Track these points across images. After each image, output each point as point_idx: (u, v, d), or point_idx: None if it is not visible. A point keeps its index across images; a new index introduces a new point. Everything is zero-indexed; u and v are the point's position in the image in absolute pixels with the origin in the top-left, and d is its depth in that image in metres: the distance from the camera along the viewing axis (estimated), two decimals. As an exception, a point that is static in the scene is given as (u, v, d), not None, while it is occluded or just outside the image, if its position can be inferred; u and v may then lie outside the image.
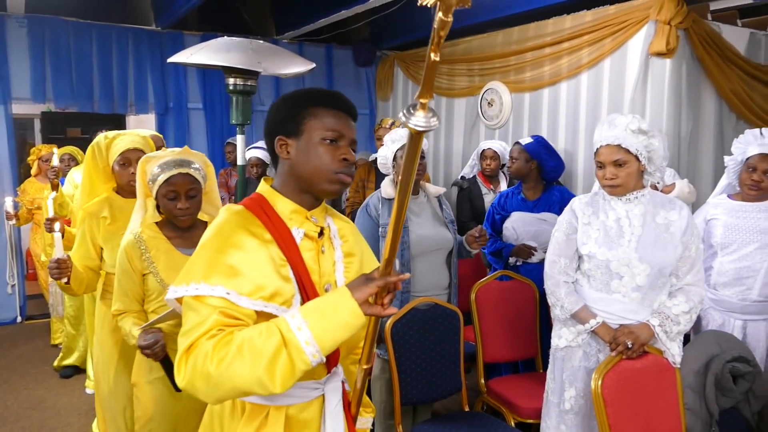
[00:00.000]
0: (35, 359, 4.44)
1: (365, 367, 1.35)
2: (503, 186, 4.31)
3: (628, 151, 2.15)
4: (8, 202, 4.82)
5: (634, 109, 3.95)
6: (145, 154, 2.43)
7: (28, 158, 5.18)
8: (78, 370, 4.13)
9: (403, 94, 6.46)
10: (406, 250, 2.72)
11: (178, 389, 1.88)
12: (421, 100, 1.00)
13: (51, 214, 2.80)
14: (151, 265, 2.03)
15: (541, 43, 4.69)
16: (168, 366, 1.95)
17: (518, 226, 3.42)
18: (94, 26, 5.40)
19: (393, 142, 2.85)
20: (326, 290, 1.34)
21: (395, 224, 1.14)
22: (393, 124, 4.18)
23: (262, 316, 1.23)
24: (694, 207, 3.25)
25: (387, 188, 2.88)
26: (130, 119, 7.58)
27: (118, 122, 7.42)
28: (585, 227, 2.29)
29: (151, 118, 7.77)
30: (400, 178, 1.10)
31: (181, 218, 2.06)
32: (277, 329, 1.14)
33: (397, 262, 2.73)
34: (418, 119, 0.99)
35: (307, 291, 1.28)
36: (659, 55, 3.80)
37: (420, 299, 2.70)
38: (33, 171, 5.13)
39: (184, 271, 1.24)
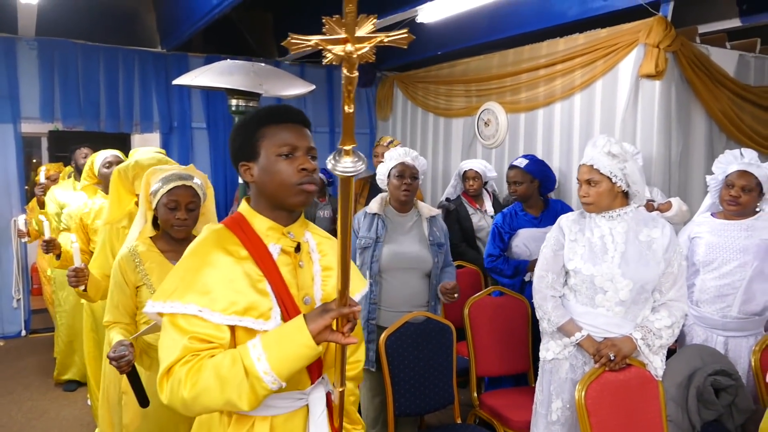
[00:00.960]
0: (39, 371, 4.52)
1: (339, 389, 1.42)
2: (488, 204, 4.35)
3: (599, 172, 2.26)
4: (21, 220, 4.94)
5: (625, 129, 4.06)
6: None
7: (36, 177, 5.31)
8: (81, 384, 4.19)
9: (402, 113, 6.59)
10: (376, 263, 2.82)
11: (144, 405, 2.02)
12: (345, 147, 1.06)
13: (47, 236, 2.90)
14: (145, 277, 2.11)
15: (535, 65, 4.81)
16: (134, 380, 2.02)
17: (529, 242, 3.49)
18: (101, 48, 5.56)
19: (390, 159, 2.96)
20: (305, 303, 1.40)
21: (342, 259, 1.20)
22: (391, 142, 4.29)
23: (241, 331, 1.32)
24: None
25: (373, 204, 2.98)
26: (135, 138, 7.73)
27: (123, 141, 7.56)
28: (571, 243, 2.38)
29: (155, 137, 7.91)
30: (338, 215, 1.16)
31: (177, 228, 2.14)
32: (240, 359, 1.24)
33: (367, 273, 2.83)
34: (345, 165, 1.05)
35: (286, 304, 1.35)
36: (649, 77, 3.91)
37: (414, 313, 2.79)
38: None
39: (161, 287, 1.33)
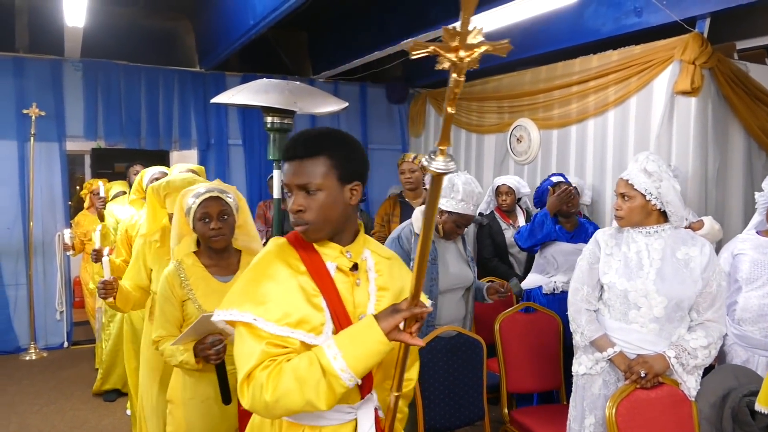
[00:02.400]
0: (80, 382, 4.65)
1: (396, 394, 1.45)
2: (521, 220, 4.37)
3: (634, 187, 2.26)
4: (67, 234, 5.12)
5: (660, 146, 4.02)
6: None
7: (81, 192, 5.50)
8: (121, 394, 4.30)
9: (435, 130, 6.64)
10: (435, 285, 2.82)
11: (226, 402, 2.08)
12: (441, 147, 1.12)
13: (98, 246, 3.03)
14: (189, 292, 2.18)
15: (568, 82, 4.81)
16: (221, 375, 2.12)
17: (558, 255, 3.52)
18: (143, 69, 5.76)
19: (455, 199, 2.91)
20: (360, 320, 1.41)
21: (420, 259, 1.25)
22: (415, 158, 4.30)
23: (305, 344, 1.37)
24: (720, 245, 3.29)
25: (418, 222, 2.99)
26: (174, 155, 7.95)
27: (162, 158, 7.77)
28: (607, 257, 2.38)
29: (193, 154, 8.11)
30: (425, 213, 1.21)
31: (213, 239, 2.20)
32: (316, 359, 1.29)
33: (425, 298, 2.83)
34: (438, 163, 1.12)
35: (340, 320, 1.39)
36: (684, 93, 3.88)
37: (443, 328, 2.81)
38: (86, 204, 5.44)
39: (227, 297, 1.40)
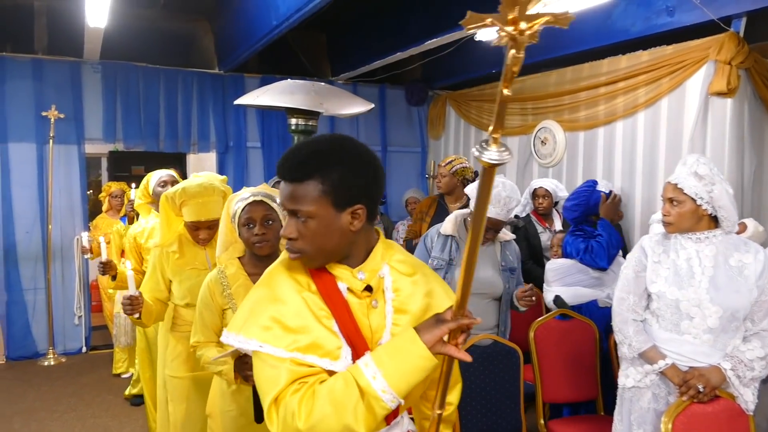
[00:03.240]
0: (100, 388, 4.59)
1: (438, 412, 1.33)
2: (557, 224, 4.30)
3: (683, 192, 2.16)
4: (84, 238, 5.06)
5: (693, 148, 3.91)
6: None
7: (100, 195, 5.45)
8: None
9: (455, 132, 6.55)
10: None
11: (258, 421, 1.97)
12: (494, 135, 1.02)
13: (104, 258, 2.94)
14: (231, 301, 2.10)
15: (596, 83, 4.71)
16: (257, 392, 2.03)
17: (615, 266, 3.44)
18: (161, 71, 5.71)
19: (492, 204, 2.87)
20: (378, 345, 1.30)
21: (467, 265, 1.12)
22: (450, 163, 4.19)
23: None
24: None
25: (447, 224, 2.92)
26: (190, 158, 7.90)
27: (179, 160, 7.74)
28: (654, 265, 2.28)
29: (210, 157, 8.05)
30: (473, 211, 1.10)
31: (257, 245, 2.09)
32: (353, 380, 1.17)
33: None
34: (491, 153, 1.01)
35: (356, 346, 1.26)
36: (720, 94, 3.77)
37: (481, 336, 2.72)
38: (104, 207, 5.39)
39: (235, 317, 1.31)
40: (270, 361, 1.23)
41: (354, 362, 1.23)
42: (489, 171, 1.03)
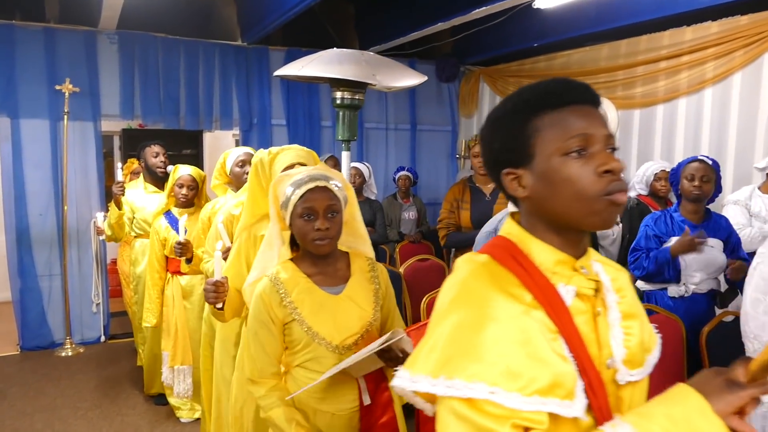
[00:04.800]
0: (124, 382, 4.30)
1: None
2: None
3: None
4: (100, 217, 4.75)
5: (772, 127, 3.60)
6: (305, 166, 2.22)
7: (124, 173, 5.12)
8: None
9: (490, 109, 6.16)
10: None
11: None
12: None
13: (182, 238, 2.68)
14: (294, 311, 1.71)
15: (655, 57, 4.38)
16: None
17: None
18: (182, 42, 5.33)
19: None
20: (608, 367, 0.98)
21: None
22: None
23: (557, 420, 0.88)
24: None
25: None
26: (206, 136, 7.57)
27: (195, 139, 7.42)
28: None
29: (227, 135, 7.75)
30: None
31: (318, 242, 1.70)
32: None
33: None
34: None
35: (588, 373, 0.91)
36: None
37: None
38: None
39: (418, 350, 0.93)
40: (478, 422, 0.84)
41: (587, 402, 0.89)
42: None
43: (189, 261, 2.92)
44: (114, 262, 6.18)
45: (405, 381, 0.91)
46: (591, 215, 0.95)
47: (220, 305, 1.96)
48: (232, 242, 2.38)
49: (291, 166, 2.14)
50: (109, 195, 5.75)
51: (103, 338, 5.21)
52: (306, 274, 1.76)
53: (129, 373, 4.48)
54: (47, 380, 4.33)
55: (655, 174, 4.10)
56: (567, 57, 5.18)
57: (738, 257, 3.03)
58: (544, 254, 0.99)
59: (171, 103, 5.30)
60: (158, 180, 4.08)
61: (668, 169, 3.97)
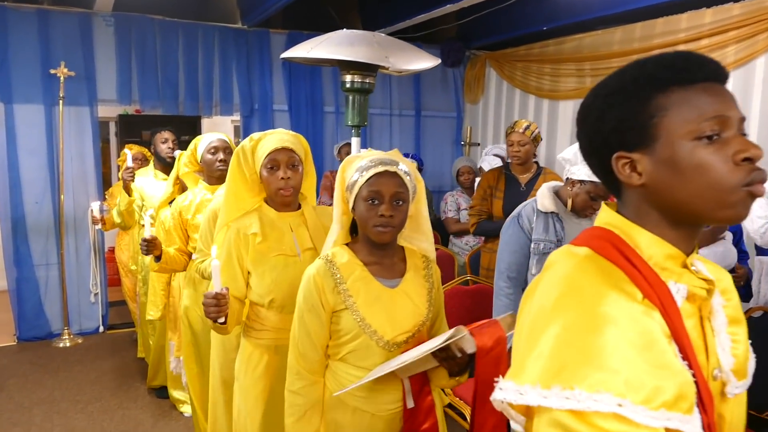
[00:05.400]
0: (124, 374, 4.19)
1: None
2: None
3: None
4: (95, 207, 4.62)
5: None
6: (296, 154, 2.09)
7: (118, 159, 4.98)
8: None
9: (496, 95, 6.06)
10: None
11: None
12: None
13: (149, 235, 2.52)
14: (348, 299, 1.60)
15: (672, 40, 4.24)
16: None
17: None
18: (180, 24, 5.16)
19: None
20: (714, 378, 0.88)
21: None
22: (528, 128, 3.68)
23: None
24: None
25: (544, 200, 2.48)
26: (205, 122, 7.41)
27: (193, 125, 7.27)
28: None
29: (226, 121, 7.60)
30: None
31: (380, 229, 1.58)
32: None
33: None
34: None
35: (699, 385, 0.80)
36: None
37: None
38: (121, 174, 4.92)
39: (530, 360, 0.79)
40: (603, 430, 0.72)
41: (701, 416, 0.77)
42: None
43: (158, 259, 2.73)
44: (111, 250, 6.05)
45: (510, 393, 0.79)
46: (726, 208, 0.84)
47: (222, 320, 1.80)
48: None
49: (276, 152, 2.03)
50: (107, 182, 5.64)
51: (101, 329, 5.09)
52: (363, 262, 1.66)
53: (129, 364, 4.36)
54: (45, 372, 4.21)
55: None
56: (578, 41, 5.03)
57: (740, 250, 2.95)
58: (654, 247, 0.88)
59: (169, 87, 5.13)
60: (168, 167, 3.93)
61: None
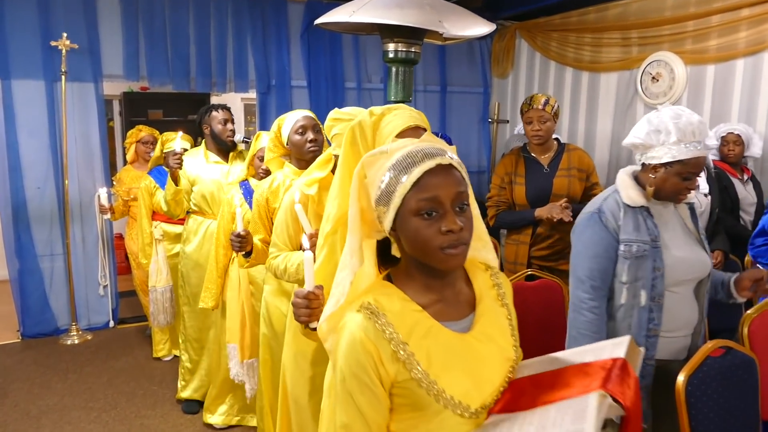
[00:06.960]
0: (139, 376, 3.85)
1: None
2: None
3: None
4: (103, 194, 4.25)
5: None
6: (425, 132, 1.66)
7: (125, 141, 4.59)
8: (202, 404, 3.35)
9: (527, 69, 5.66)
10: (660, 278, 1.96)
11: None
12: None
13: (242, 230, 2.18)
14: (415, 367, 1.09)
15: (736, 4, 3.84)
16: None
17: None
18: (190, -6, 4.74)
19: (681, 143, 1.99)
20: None
21: None
22: (547, 102, 3.26)
23: None
24: None
25: (629, 191, 2.08)
26: (213, 99, 7.00)
27: (202, 103, 6.84)
28: None
29: (236, 98, 7.18)
30: None
31: (450, 252, 1.08)
32: None
33: (643, 295, 1.99)
34: None
35: None
36: None
37: (714, 342, 1.95)
38: (129, 157, 4.55)
39: None
40: None
41: None
42: None
43: (248, 255, 2.39)
44: (119, 236, 5.69)
45: None
46: None
47: (314, 325, 1.40)
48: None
49: (409, 131, 1.59)
50: (113, 167, 5.23)
51: (112, 323, 4.74)
52: (421, 305, 1.15)
53: (143, 364, 4.03)
54: (53, 374, 3.87)
55: (722, 137, 3.71)
56: (624, 7, 4.61)
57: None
58: None
59: (180, 62, 4.72)
60: (223, 149, 3.51)
61: (737, 132, 3.69)
